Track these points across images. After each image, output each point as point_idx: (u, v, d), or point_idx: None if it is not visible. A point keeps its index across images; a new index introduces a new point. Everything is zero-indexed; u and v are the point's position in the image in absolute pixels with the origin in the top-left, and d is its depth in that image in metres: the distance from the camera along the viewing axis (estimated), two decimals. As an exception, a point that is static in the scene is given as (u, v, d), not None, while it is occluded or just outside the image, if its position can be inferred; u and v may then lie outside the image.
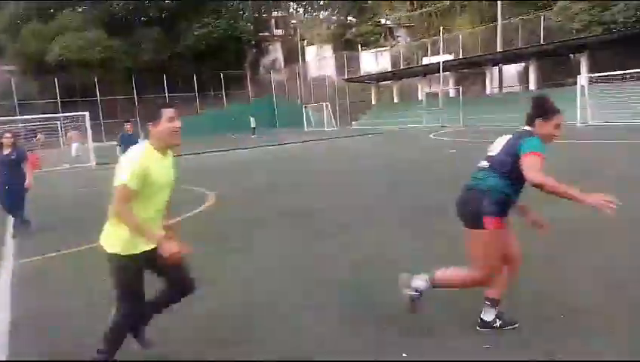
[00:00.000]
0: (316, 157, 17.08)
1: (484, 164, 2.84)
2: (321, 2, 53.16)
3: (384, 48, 43.53)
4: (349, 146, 20.83)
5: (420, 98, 36.64)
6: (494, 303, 2.94)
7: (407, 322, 3.13)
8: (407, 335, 3.01)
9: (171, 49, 45.84)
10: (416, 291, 2.94)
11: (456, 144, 17.61)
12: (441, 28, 34.59)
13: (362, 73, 42.23)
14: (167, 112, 2.55)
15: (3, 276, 5.00)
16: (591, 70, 27.06)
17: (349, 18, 51.04)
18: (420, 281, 2.95)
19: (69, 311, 3.83)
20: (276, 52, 55.22)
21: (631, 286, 3.55)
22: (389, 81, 41.87)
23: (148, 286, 2.74)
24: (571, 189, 2.51)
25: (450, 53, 35.01)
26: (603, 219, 5.80)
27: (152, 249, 2.53)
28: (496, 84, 35.65)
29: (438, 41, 33.94)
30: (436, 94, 33.84)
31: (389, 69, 40.29)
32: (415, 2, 42.74)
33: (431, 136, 22.94)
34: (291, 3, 55.74)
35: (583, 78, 24.76)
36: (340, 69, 44.83)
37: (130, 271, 2.57)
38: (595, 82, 24.54)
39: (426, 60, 36.54)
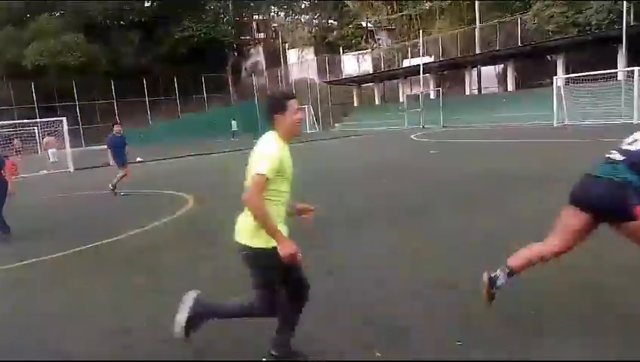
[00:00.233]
0: (296, 160, 17.08)
1: (618, 156, 2.77)
2: (302, 6, 53.24)
3: (365, 51, 43.80)
4: (331, 148, 20.91)
5: (401, 100, 36.97)
6: (511, 273, 3.00)
7: (383, 322, 3.19)
8: (381, 335, 3.06)
9: (151, 53, 45.43)
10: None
11: (436, 145, 17.83)
12: (421, 30, 35.00)
13: (344, 75, 42.46)
14: (293, 104, 2.56)
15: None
16: (567, 71, 27.71)
17: (330, 21, 51.25)
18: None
19: (46, 317, 3.80)
20: (258, 55, 55.11)
21: (599, 286, 3.66)
22: (370, 83, 42.18)
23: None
24: None
25: (430, 56, 35.43)
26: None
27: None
28: (475, 85, 36.20)
29: (418, 44, 34.30)
30: (417, 96, 34.20)
31: (371, 72, 40.60)
32: (395, 5, 43.11)
33: (412, 137, 23.18)
34: (272, 7, 55.71)
35: (559, 79, 25.32)
36: (321, 71, 44.97)
37: (275, 264, 2.46)
38: (571, 83, 25.11)
39: (406, 62, 36.90)
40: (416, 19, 40.71)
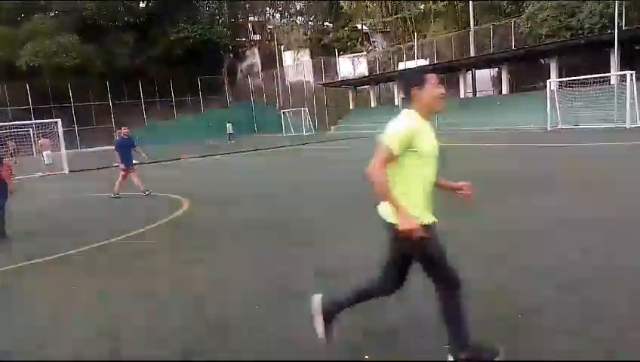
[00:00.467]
0: (291, 165, 17.16)
1: None
2: (298, 7, 53.36)
3: (361, 53, 43.96)
4: (326, 152, 20.98)
5: (396, 102, 37.10)
6: None
7: (371, 324, 3.26)
8: (370, 338, 3.13)
9: (147, 54, 45.39)
10: None
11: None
12: (416, 33, 35.18)
13: (340, 78, 42.58)
14: (432, 77, 2.50)
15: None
16: (560, 74, 27.93)
17: (326, 24, 51.39)
18: None
19: (33, 320, 3.84)
20: (254, 57, 55.19)
21: (582, 286, 3.74)
22: (366, 86, 42.31)
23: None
24: None
25: (425, 58, 35.62)
26: (552, 219, 6.03)
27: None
28: (470, 88, 36.41)
29: (413, 47, 34.46)
30: (412, 98, 34.31)
31: (366, 74, 40.75)
32: (390, 8, 43.29)
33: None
34: (268, 8, 55.83)
35: (552, 83, 25.47)
36: (317, 73, 45.07)
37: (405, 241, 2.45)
38: (565, 86, 25.31)
39: (401, 65, 37.05)
40: (411, 21, 40.91)
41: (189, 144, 31.59)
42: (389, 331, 3.20)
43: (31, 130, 26.61)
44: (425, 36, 37.35)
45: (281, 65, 49.39)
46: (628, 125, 20.78)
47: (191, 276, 4.75)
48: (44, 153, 19.78)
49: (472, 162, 12.75)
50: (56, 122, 19.95)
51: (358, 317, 3.33)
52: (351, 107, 42.90)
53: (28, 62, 39.03)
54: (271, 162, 17.96)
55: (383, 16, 43.66)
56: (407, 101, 2.55)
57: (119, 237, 6.60)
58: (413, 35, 35.19)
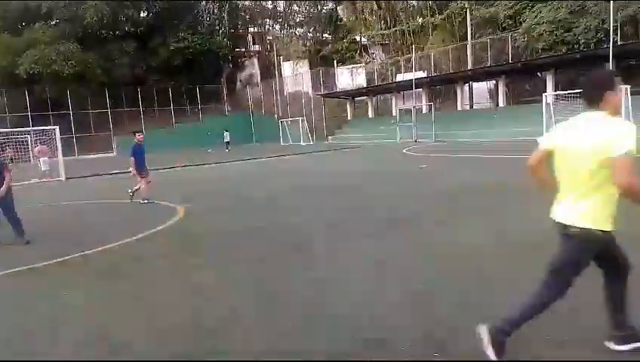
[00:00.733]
0: (289, 172, 17.20)
1: None
2: (298, 19, 53.83)
3: (359, 65, 44.27)
4: (324, 161, 21.04)
5: (394, 113, 37.29)
6: None
7: (361, 333, 3.28)
8: (359, 346, 3.15)
9: (147, 63, 45.61)
10: None
11: (426, 159, 18.02)
12: (414, 46, 35.50)
13: (338, 89, 42.80)
14: (619, 82, 2.53)
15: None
16: (556, 88, 28.16)
17: (325, 35, 51.80)
18: None
19: (29, 324, 3.84)
20: (253, 67, 55.53)
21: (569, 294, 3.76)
22: (364, 97, 42.54)
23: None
24: None
25: (423, 71, 35.86)
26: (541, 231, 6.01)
27: (610, 231, 2.47)
28: (467, 100, 36.64)
29: (411, 59, 34.73)
30: (409, 110, 34.53)
31: (365, 85, 40.99)
32: (389, 21, 43.69)
33: (404, 151, 23.38)
34: (267, 20, 56.30)
35: (548, 96, 25.68)
36: (316, 84, 45.30)
37: (594, 248, 2.49)
38: (561, 100, 25.47)
39: (399, 77, 37.30)
40: (410, 34, 41.28)
41: (186, 152, 31.68)
42: (378, 339, 3.21)
43: (29, 136, 26.57)
44: (423, 49, 37.67)
45: (279, 75, 49.67)
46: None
47: (188, 282, 4.76)
48: (41, 160, 19.78)
49: (473, 173, 12.81)
50: (54, 129, 20.00)
51: (347, 325, 3.34)
52: (349, 118, 43.09)
53: (27, 69, 39.10)
54: (265, 169, 17.98)
55: (381, 29, 44.02)
56: (594, 105, 2.52)
57: (119, 242, 6.63)
58: (412, 48, 35.46)
